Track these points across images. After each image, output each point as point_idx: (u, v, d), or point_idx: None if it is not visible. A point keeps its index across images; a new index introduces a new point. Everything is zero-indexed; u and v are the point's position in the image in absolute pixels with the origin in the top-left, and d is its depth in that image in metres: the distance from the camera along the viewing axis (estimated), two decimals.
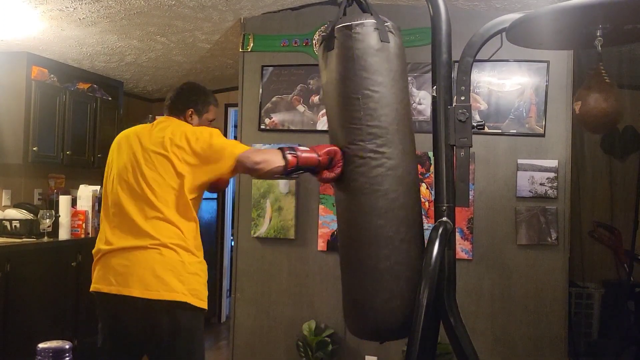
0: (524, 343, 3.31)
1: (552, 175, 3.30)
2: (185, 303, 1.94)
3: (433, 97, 1.87)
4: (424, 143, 3.36)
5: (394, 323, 1.84)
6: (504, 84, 3.38)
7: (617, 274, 4.39)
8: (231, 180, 3.60)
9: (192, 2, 3.38)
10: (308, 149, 1.93)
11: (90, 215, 4.27)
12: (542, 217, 3.29)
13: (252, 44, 3.74)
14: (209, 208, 5.43)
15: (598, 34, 1.78)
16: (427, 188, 3.37)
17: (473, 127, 1.84)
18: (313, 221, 3.57)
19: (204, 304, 2.01)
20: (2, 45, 3.95)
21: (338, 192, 1.97)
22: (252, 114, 3.73)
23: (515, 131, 3.36)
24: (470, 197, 3.26)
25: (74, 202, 4.27)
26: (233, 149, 1.98)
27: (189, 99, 2.23)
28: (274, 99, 3.69)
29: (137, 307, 1.92)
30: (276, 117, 3.68)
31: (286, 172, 1.94)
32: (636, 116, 4.68)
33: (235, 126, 4.48)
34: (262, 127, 3.70)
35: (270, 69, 3.70)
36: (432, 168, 3.31)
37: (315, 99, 3.61)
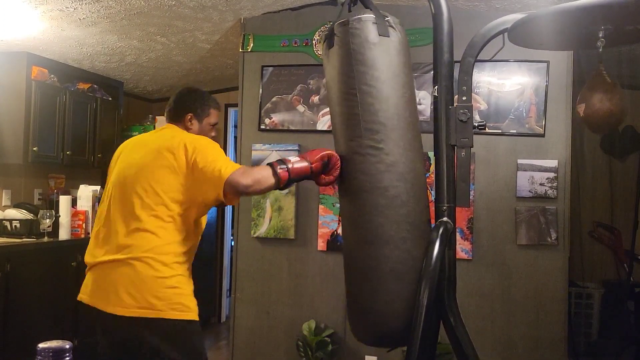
0: (524, 343, 3.31)
1: (552, 175, 3.30)
2: (163, 319, 1.87)
3: (434, 97, 1.86)
4: (424, 143, 3.37)
5: (396, 327, 1.78)
6: (504, 84, 3.38)
7: (617, 274, 4.39)
8: None
9: (192, 2, 3.38)
10: (299, 158, 1.88)
11: (90, 215, 4.26)
12: (542, 217, 3.29)
13: (252, 44, 3.74)
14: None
15: (600, 35, 1.78)
16: (428, 188, 3.37)
17: (474, 127, 1.84)
18: (313, 221, 3.57)
19: (189, 315, 1.92)
20: (2, 45, 3.95)
21: (340, 190, 1.95)
22: (252, 114, 3.73)
23: (515, 131, 3.36)
24: (470, 197, 3.26)
25: (74, 202, 4.27)
26: (221, 173, 1.86)
27: (185, 103, 2.17)
28: (274, 99, 3.69)
29: (117, 324, 1.90)
30: (276, 117, 3.68)
31: (280, 188, 1.91)
32: (636, 116, 4.68)
33: (235, 126, 4.48)
34: (262, 127, 3.70)
35: (270, 69, 3.70)
36: (432, 168, 3.31)
37: (315, 99, 3.61)
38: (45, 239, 3.95)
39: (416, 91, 3.47)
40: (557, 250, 3.30)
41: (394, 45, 1.81)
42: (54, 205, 4.18)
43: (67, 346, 0.95)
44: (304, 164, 1.86)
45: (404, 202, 1.78)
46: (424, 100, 3.45)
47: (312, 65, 3.60)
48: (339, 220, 3.44)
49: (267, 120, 3.70)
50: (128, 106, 5.41)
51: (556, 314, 3.29)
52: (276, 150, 3.62)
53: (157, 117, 5.28)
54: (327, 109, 3.25)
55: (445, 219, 1.80)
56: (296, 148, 3.59)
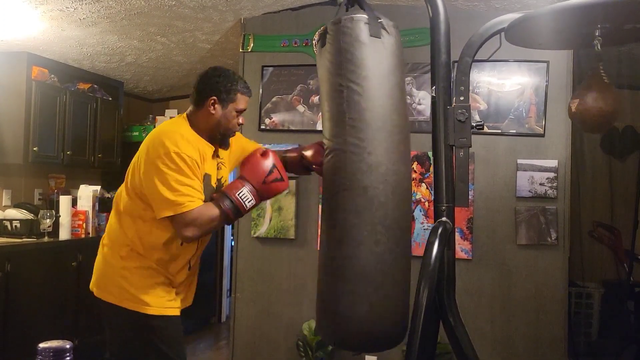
0: (524, 343, 3.31)
1: (551, 175, 3.30)
2: (121, 308, 1.92)
3: (432, 98, 1.86)
4: (424, 143, 3.38)
5: (359, 331, 1.75)
6: (504, 84, 3.38)
7: (617, 274, 4.39)
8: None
9: (192, 2, 3.38)
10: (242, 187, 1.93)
11: (90, 215, 4.27)
12: (542, 217, 3.30)
13: (252, 44, 3.74)
14: None
15: (597, 34, 1.78)
16: (427, 188, 3.37)
17: (472, 127, 1.84)
18: (313, 221, 3.58)
19: (145, 309, 1.90)
20: (2, 45, 3.96)
21: (323, 187, 1.94)
22: (252, 114, 3.73)
23: (515, 131, 3.36)
24: (469, 197, 3.26)
25: (74, 202, 4.27)
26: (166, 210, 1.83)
27: (208, 84, 1.94)
28: (274, 99, 3.70)
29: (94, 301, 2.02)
30: (276, 117, 3.69)
31: (231, 219, 1.93)
32: (636, 116, 4.68)
33: None
34: (262, 127, 3.70)
35: (270, 69, 3.71)
36: (431, 168, 3.31)
37: (315, 99, 3.62)
38: (46, 239, 3.95)
39: (416, 91, 3.47)
40: (557, 250, 3.30)
41: (386, 47, 1.80)
42: (54, 205, 4.18)
43: (67, 346, 0.96)
44: (249, 194, 1.92)
45: (382, 204, 1.75)
46: (424, 100, 3.46)
47: (312, 66, 3.60)
48: None
49: (267, 121, 3.70)
50: (128, 106, 5.41)
51: (556, 314, 3.29)
52: (276, 150, 3.62)
53: (157, 117, 5.28)
54: None
55: (444, 218, 1.80)
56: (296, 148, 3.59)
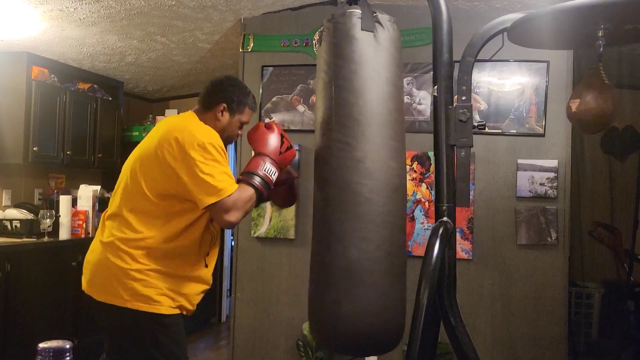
0: (524, 343, 3.31)
1: (552, 175, 3.30)
2: (128, 309, 1.89)
3: (434, 97, 1.86)
4: (424, 143, 3.38)
5: (341, 330, 1.73)
6: (504, 84, 3.38)
7: (617, 274, 4.39)
8: None
9: (192, 2, 3.38)
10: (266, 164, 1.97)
11: (90, 215, 4.26)
12: (542, 217, 3.29)
13: (252, 44, 3.74)
14: None
15: (600, 34, 1.78)
16: (428, 188, 3.37)
17: (474, 127, 1.83)
18: None
19: (157, 309, 1.89)
20: (2, 45, 3.95)
21: (314, 184, 1.93)
22: None
23: (515, 131, 3.36)
24: (470, 197, 3.26)
25: (74, 202, 4.27)
26: (212, 195, 1.84)
27: (223, 91, 2.04)
28: (274, 99, 3.70)
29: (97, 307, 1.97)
30: (276, 117, 3.68)
31: (263, 195, 1.94)
32: (636, 116, 4.68)
33: None
34: None
35: (271, 69, 3.70)
36: (432, 168, 3.31)
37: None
38: (46, 239, 3.95)
39: (416, 91, 3.47)
40: (557, 250, 3.30)
41: (380, 42, 1.77)
42: (54, 205, 4.18)
43: (67, 346, 0.95)
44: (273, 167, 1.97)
45: (368, 200, 1.72)
46: (424, 100, 3.45)
47: (312, 65, 3.60)
48: None
49: (267, 120, 3.69)
50: (128, 106, 5.41)
51: (556, 313, 3.29)
52: None
53: (157, 117, 5.28)
54: None
55: (445, 218, 1.80)
56: (296, 148, 3.58)
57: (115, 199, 2.01)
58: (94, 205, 4.31)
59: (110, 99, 4.89)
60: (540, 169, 3.31)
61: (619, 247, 4.23)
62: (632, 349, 4.03)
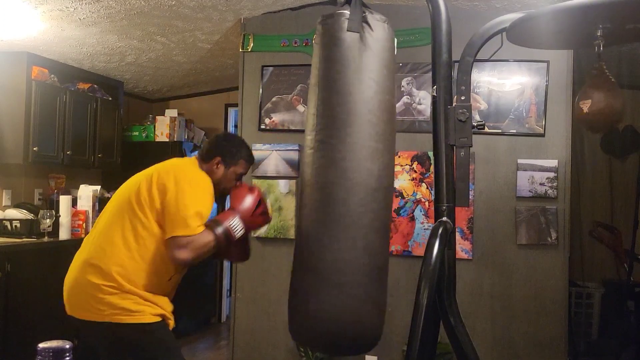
0: (524, 343, 3.31)
1: (552, 175, 3.30)
2: (110, 323, 1.96)
3: (433, 97, 1.86)
4: (424, 143, 3.38)
5: (309, 328, 1.75)
6: (504, 84, 3.38)
7: (617, 274, 4.39)
8: None
9: (192, 2, 3.38)
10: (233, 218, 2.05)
11: (90, 215, 4.26)
12: (542, 217, 3.29)
13: (252, 44, 3.74)
14: None
15: (599, 33, 1.78)
16: (427, 188, 3.37)
17: (473, 127, 1.83)
18: None
19: (140, 319, 1.97)
20: (2, 45, 3.95)
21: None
22: (252, 114, 3.73)
23: (515, 131, 3.36)
24: (470, 197, 3.26)
25: (74, 202, 4.27)
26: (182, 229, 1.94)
27: (217, 146, 2.20)
28: (274, 99, 3.70)
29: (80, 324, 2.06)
30: (276, 117, 3.68)
31: (221, 246, 2.00)
32: (636, 116, 4.68)
33: (236, 126, 4.48)
34: (262, 127, 3.70)
35: (270, 69, 3.70)
36: (432, 168, 3.31)
37: None
38: (46, 239, 3.95)
39: (416, 91, 3.47)
40: (557, 250, 3.29)
41: (366, 42, 1.78)
42: (54, 205, 4.18)
43: (67, 346, 0.95)
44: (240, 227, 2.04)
45: (343, 201, 1.72)
46: (424, 100, 3.45)
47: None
48: None
49: (267, 120, 3.70)
50: (128, 106, 5.41)
51: (556, 313, 3.29)
52: (276, 150, 3.63)
53: (157, 117, 5.28)
54: None
55: (444, 218, 1.80)
56: (296, 148, 3.59)
57: (99, 222, 2.15)
58: (94, 205, 4.31)
59: (110, 99, 4.89)
60: (540, 169, 3.31)
61: (619, 247, 4.23)
62: (632, 349, 4.03)
